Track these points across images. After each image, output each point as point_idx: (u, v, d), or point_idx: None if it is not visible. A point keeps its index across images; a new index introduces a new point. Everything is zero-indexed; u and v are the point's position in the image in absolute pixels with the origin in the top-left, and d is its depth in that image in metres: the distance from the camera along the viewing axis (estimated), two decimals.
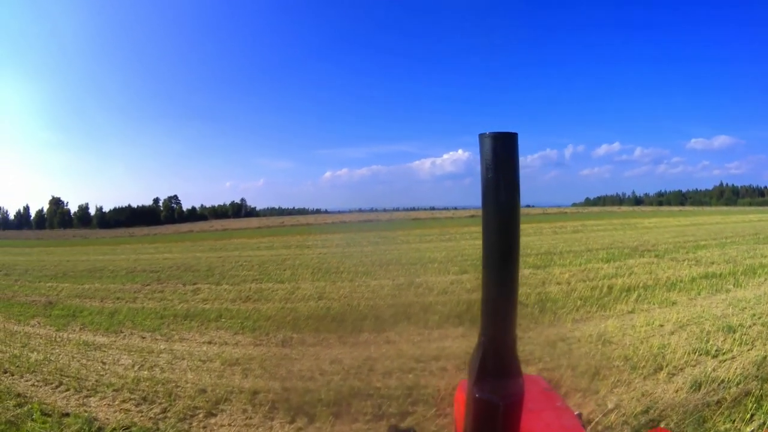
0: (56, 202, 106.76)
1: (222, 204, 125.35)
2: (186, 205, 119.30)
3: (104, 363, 8.23)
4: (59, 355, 8.85)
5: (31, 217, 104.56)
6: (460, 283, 13.49)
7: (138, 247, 39.47)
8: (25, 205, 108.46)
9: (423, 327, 9.14)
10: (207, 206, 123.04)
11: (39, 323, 11.44)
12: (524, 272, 13.51)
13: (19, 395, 7.00)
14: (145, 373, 7.58)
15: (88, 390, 7.03)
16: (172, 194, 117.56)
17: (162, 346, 8.99)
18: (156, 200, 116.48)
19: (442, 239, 29.76)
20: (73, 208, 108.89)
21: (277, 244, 33.67)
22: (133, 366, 7.95)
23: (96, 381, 7.34)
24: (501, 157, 0.85)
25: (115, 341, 9.54)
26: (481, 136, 0.85)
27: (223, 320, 10.62)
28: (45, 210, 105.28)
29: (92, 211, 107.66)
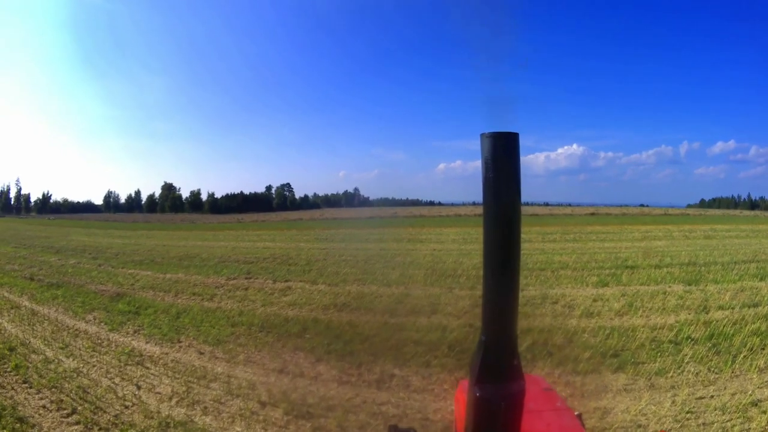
0: (168, 188, 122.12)
1: (335, 193, 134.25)
2: (299, 194, 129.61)
3: (139, 387, 6.98)
4: (94, 366, 7.95)
5: (143, 202, 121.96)
6: (605, 301, 11.40)
7: (242, 233, 41.45)
8: (136, 189, 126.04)
9: (570, 370, 7.17)
10: (320, 195, 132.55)
11: (95, 319, 11.00)
12: (675, 289, 12.77)
13: (19, 420, 6.04)
14: (182, 412, 6.06)
15: (99, 429, 5.70)
16: (285, 182, 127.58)
17: (219, 369, 7.53)
18: (269, 188, 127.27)
19: (567, 239, 28.13)
20: (185, 193, 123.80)
21: (387, 236, 33.01)
22: (170, 398, 6.52)
23: (115, 416, 6.01)
24: (502, 157, 1.12)
25: (166, 354, 8.38)
26: (482, 135, 1.11)
27: (307, 336, 9.00)
28: (157, 195, 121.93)
29: (204, 197, 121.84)
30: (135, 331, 9.84)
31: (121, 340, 9.34)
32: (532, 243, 25.74)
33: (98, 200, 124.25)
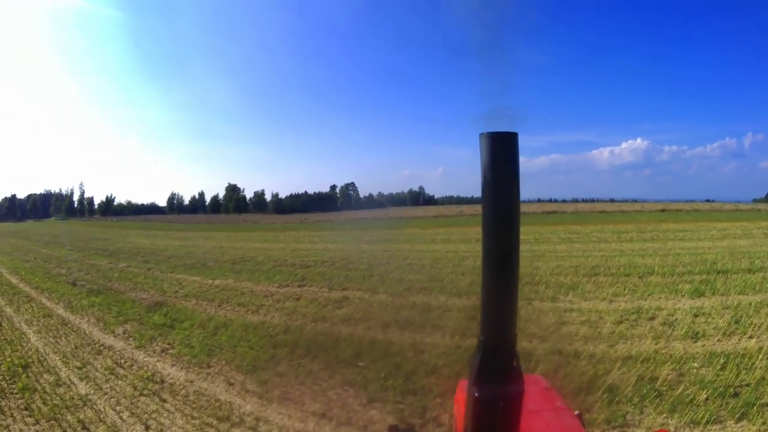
0: (232, 189, 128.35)
1: (400, 192, 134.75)
2: (363, 193, 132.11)
3: (147, 427, 5.95)
4: (106, 393, 7.05)
5: (207, 203, 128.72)
6: (707, 316, 9.64)
7: (303, 234, 41.18)
8: (200, 191, 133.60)
9: (688, 420, 5.69)
10: (384, 194, 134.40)
11: (125, 332, 10.21)
12: None
13: None
14: None
15: None
16: (349, 181, 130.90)
17: (247, 408, 6.31)
18: (333, 187, 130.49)
19: (644, 238, 25.55)
20: (249, 194, 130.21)
21: (454, 236, 31.10)
22: None
23: None
24: (501, 157, 1.18)
25: (190, 383, 7.29)
26: (481, 135, 1.18)
27: (360, 365, 7.58)
28: (221, 196, 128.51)
29: (268, 197, 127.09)
30: (163, 350, 8.87)
31: (144, 360, 8.39)
32: (609, 243, 23.77)
33: (162, 202, 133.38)
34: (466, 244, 25.03)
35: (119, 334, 10.08)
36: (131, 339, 9.69)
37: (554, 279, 13.62)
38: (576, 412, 2.01)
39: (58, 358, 8.77)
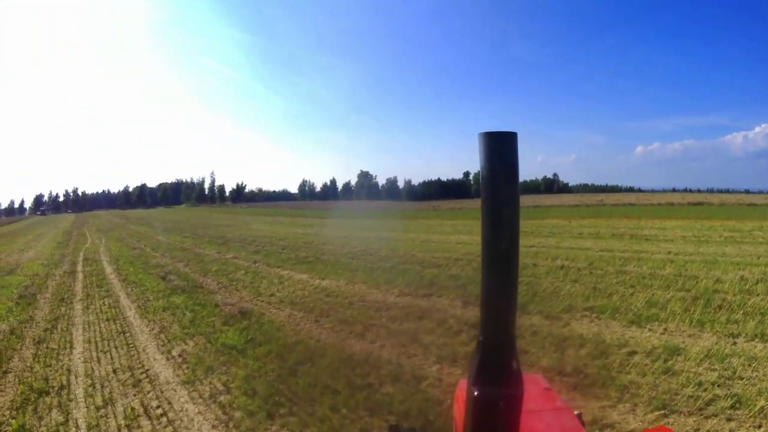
0: (364, 175, 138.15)
1: (533, 179, 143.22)
2: None
3: None
4: None
5: (338, 189, 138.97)
6: None
7: (435, 223, 39.06)
8: (331, 178, 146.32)
9: None
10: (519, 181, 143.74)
11: (181, 354, 8.05)
12: None
13: None
14: None
15: None
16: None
17: None
18: (466, 174, 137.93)
19: None
20: (382, 181, 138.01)
21: (603, 229, 26.90)
22: None
23: None
24: (500, 156, 1.13)
25: None
26: (480, 135, 1.12)
27: None
28: (353, 183, 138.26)
29: (401, 184, 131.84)
30: (213, 394, 6.37)
31: (182, 408, 5.98)
32: None
33: (294, 189, 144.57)
34: (620, 241, 21.13)
35: (174, 356, 7.87)
36: (184, 366, 7.40)
37: (749, 301, 9.58)
38: (576, 412, 1.80)
39: (83, 386, 6.78)
